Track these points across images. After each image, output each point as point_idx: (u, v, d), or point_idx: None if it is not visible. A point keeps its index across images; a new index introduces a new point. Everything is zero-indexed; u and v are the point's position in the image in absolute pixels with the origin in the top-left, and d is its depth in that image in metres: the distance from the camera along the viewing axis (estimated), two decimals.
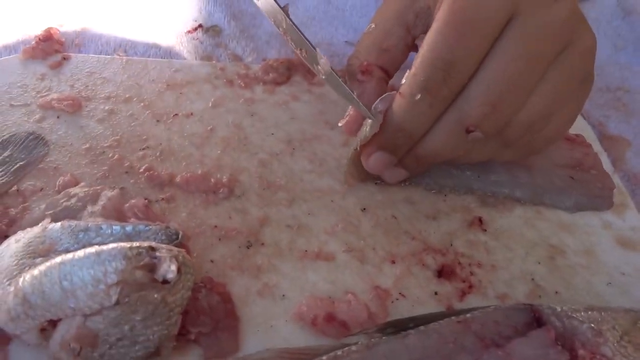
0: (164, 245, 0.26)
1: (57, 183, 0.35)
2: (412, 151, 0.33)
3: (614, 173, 0.42)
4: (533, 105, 0.31)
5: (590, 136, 0.44)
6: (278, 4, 0.33)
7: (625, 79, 0.54)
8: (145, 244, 0.25)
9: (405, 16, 0.35)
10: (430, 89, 0.30)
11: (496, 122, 0.31)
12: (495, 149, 0.34)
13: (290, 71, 0.47)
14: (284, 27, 0.34)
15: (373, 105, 0.33)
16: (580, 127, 0.45)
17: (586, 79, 0.34)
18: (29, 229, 0.30)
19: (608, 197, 0.39)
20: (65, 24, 0.49)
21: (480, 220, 0.37)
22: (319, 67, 0.33)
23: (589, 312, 0.26)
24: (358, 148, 0.35)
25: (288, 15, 0.33)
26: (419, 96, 0.31)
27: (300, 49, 0.34)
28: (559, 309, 0.27)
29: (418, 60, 0.31)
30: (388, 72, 0.36)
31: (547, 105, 0.31)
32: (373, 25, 0.37)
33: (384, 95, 0.33)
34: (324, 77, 0.33)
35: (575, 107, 0.34)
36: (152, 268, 0.25)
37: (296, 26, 0.33)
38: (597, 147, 0.44)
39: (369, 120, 0.33)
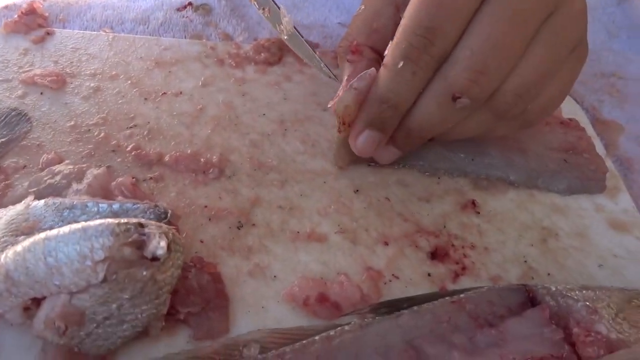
0: (153, 222, 0.25)
1: (41, 160, 0.34)
2: (402, 125, 0.33)
3: (607, 157, 0.42)
4: (521, 71, 0.30)
5: (583, 120, 0.44)
6: None
7: (619, 65, 0.54)
8: (134, 220, 0.24)
9: None
10: (412, 57, 0.30)
11: (484, 89, 0.30)
12: (487, 121, 0.33)
13: (282, 51, 0.46)
14: None
15: (350, 83, 0.32)
16: (573, 111, 0.45)
17: (578, 47, 0.33)
18: (11, 207, 0.29)
19: (601, 181, 0.39)
20: None
21: (473, 202, 0.37)
22: (282, 26, 0.32)
23: (584, 291, 0.26)
24: (339, 127, 0.34)
25: None
26: (401, 64, 0.30)
27: (264, 9, 0.33)
28: (553, 289, 0.27)
29: (400, 29, 0.30)
30: (380, 53, 0.35)
31: (537, 71, 0.30)
32: (363, 7, 0.36)
33: (361, 73, 0.32)
34: (286, 37, 0.32)
35: (568, 76, 0.33)
36: (140, 245, 0.24)
37: None
38: (590, 131, 0.43)
39: (343, 96, 0.32)
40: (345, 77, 0.34)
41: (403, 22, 0.30)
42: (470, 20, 0.29)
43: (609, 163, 0.41)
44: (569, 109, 0.45)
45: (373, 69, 0.32)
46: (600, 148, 0.42)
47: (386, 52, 0.31)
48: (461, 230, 0.35)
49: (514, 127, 0.35)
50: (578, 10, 0.31)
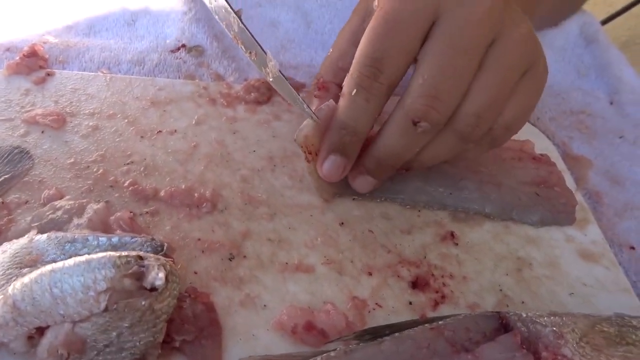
0: (151, 254, 0.27)
1: (43, 196, 0.36)
2: (371, 154, 0.36)
3: (577, 190, 0.45)
4: (475, 94, 0.33)
5: (554, 155, 0.47)
6: (231, 7, 0.35)
7: (587, 103, 0.57)
8: (134, 253, 0.26)
9: (357, 35, 0.37)
10: (364, 85, 0.33)
11: (440, 112, 0.33)
12: (454, 144, 0.35)
13: (271, 91, 0.48)
14: (235, 30, 0.35)
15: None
16: (545, 146, 0.48)
17: (532, 69, 0.35)
18: (14, 241, 0.31)
19: (571, 213, 0.41)
20: (49, 40, 0.50)
21: (452, 234, 0.39)
22: (268, 69, 0.35)
23: (552, 317, 0.28)
24: (306, 157, 0.36)
25: (241, 19, 0.35)
26: (354, 92, 0.34)
27: (250, 52, 0.35)
28: (524, 315, 0.29)
29: (354, 62, 0.34)
30: None
31: (490, 93, 0.33)
32: (331, 50, 0.40)
33: (322, 105, 0.35)
34: (271, 79, 0.35)
35: (525, 97, 0.36)
36: (139, 276, 0.26)
37: (247, 29, 0.35)
38: (561, 165, 0.46)
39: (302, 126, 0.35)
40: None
41: (356, 55, 0.34)
42: (417, 51, 0.33)
43: (578, 196, 0.44)
44: (540, 144, 0.48)
45: (332, 100, 0.36)
46: (570, 182, 0.45)
47: (344, 84, 0.35)
48: (441, 261, 0.37)
49: (484, 148, 0.37)
50: (521, 35, 0.34)
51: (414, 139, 0.34)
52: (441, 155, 0.36)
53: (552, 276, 0.37)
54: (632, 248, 0.42)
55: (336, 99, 0.36)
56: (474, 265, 0.37)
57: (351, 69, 0.34)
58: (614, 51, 0.64)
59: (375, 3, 0.36)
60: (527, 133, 0.49)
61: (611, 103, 0.57)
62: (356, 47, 0.37)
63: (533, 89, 0.36)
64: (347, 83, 0.34)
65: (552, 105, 0.56)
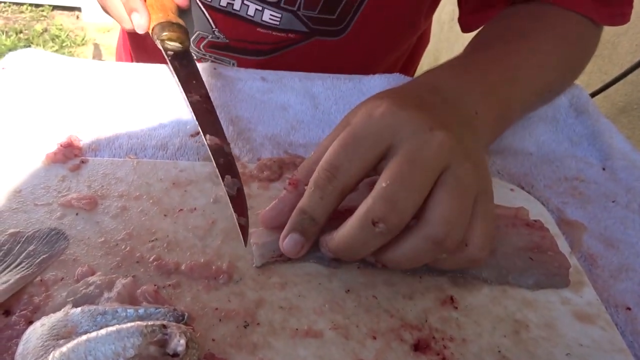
0: (173, 324, 0.30)
1: (76, 273, 0.40)
2: (333, 234, 0.40)
3: (571, 254, 0.47)
4: (436, 203, 0.37)
5: (549, 221, 0.50)
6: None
7: (580, 169, 0.60)
8: (158, 322, 0.30)
9: None
10: (320, 185, 0.39)
11: (397, 218, 0.37)
12: (426, 249, 0.38)
13: (282, 169, 0.53)
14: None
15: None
16: (540, 212, 0.51)
17: (481, 194, 0.40)
18: (52, 314, 0.35)
19: (565, 276, 0.44)
20: (83, 131, 0.56)
21: (452, 298, 0.41)
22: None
23: None
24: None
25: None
26: (312, 189, 0.40)
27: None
28: None
29: (320, 162, 0.40)
30: None
31: (443, 216, 0.37)
32: (312, 154, 0.45)
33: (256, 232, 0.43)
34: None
35: (485, 219, 0.39)
36: (163, 343, 0.29)
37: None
38: (555, 230, 0.49)
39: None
40: (278, 198, 0.44)
41: (322, 158, 0.40)
42: (373, 166, 0.39)
43: (573, 260, 0.46)
44: (536, 210, 0.51)
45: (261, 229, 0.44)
46: (564, 246, 0.48)
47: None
48: (441, 324, 0.39)
49: (460, 261, 0.40)
50: (473, 164, 0.40)
51: (371, 237, 0.38)
52: (412, 257, 0.39)
53: (549, 337, 0.39)
54: (629, 309, 0.44)
55: (299, 197, 0.42)
56: (473, 328, 0.39)
57: (317, 168, 0.40)
58: (603, 120, 0.68)
59: (353, 119, 0.42)
60: (521, 200, 0.52)
61: (604, 169, 0.61)
62: None
63: (489, 212, 0.40)
64: (311, 178, 0.40)
65: (547, 172, 0.59)
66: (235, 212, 0.42)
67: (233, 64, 0.82)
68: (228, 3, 0.74)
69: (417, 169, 0.38)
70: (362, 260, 0.43)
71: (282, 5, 0.73)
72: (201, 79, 0.60)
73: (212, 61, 0.83)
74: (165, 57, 0.61)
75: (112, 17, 0.68)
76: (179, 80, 0.56)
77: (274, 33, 0.77)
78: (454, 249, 0.39)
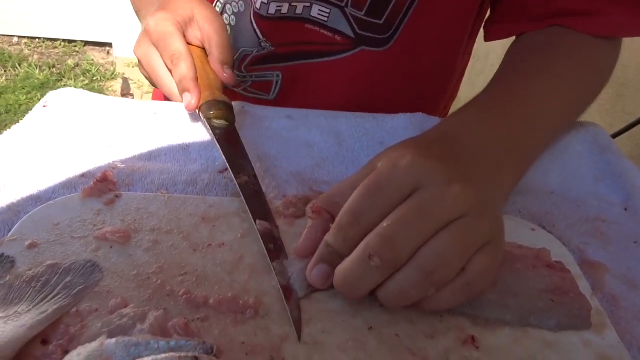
0: (205, 356, 0.31)
1: (110, 304, 0.41)
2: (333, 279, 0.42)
3: (593, 296, 0.47)
4: (435, 242, 0.39)
5: (570, 262, 0.50)
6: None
7: (602, 210, 0.61)
8: (191, 354, 0.31)
9: (358, 185, 0.44)
10: (342, 228, 0.42)
11: (393, 254, 0.39)
12: (422, 284, 0.40)
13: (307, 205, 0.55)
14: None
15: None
16: (561, 253, 0.52)
17: (490, 243, 0.41)
18: (87, 345, 0.36)
19: (586, 318, 0.44)
20: (118, 166, 0.58)
21: (473, 338, 0.42)
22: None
23: None
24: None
25: None
26: (336, 230, 0.42)
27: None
28: None
29: (344, 205, 0.43)
30: (334, 217, 0.45)
31: (437, 251, 0.39)
32: (333, 187, 0.48)
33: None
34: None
35: (485, 259, 0.41)
36: None
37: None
38: (577, 271, 0.49)
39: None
40: (307, 228, 0.47)
41: (347, 202, 0.42)
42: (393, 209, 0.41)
43: (595, 301, 0.46)
44: (557, 251, 0.51)
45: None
46: (586, 287, 0.48)
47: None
48: None
49: (458, 294, 0.41)
50: (487, 215, 0.42)
51: (367, 272, 0.40)
52: (406, 291, 0.40)
53: None
54: None
55: (325, 223, 0.45)
56: None
57: (341, 208, 0.43)
58: (626, 160, 0.69)
59: (379, 165, 0.44)
60: (543, 240, 0.53)
61: (626, 209, 0.61)
62: (352, 192, 0.44)
63: (492, 256, 0.42)
64: (336, 220, 0.43)
65: (569, 212, 0.60)
66: (287, 303, 0.43)
67: (277, 76, 0.84)
68: (276, 9, 0.77)
69: (423, 214, 0.40)
70: None
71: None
72: (247, 157, 0.60)
73: (253, 82, 0.86)
74: (212, 135, 0.63)
75: (160, 89, 0.71)
76: (227, 161, 0.58)
77: (321, 31, 0.79)
78: (442, 285, 0.40)
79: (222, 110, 0.65)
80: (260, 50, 0.82)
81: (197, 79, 0.66)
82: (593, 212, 0.60)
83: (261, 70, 0.84)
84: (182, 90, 0.65)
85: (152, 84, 0.74)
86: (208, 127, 0.63)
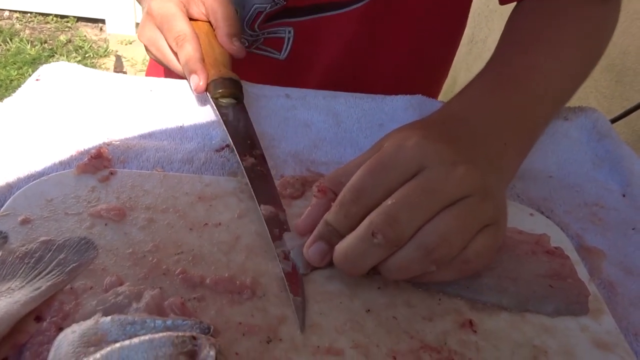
0: (203, 335, 0.31)
1: (105, 282, 0.41)
2: (333, 255, 0.42)
3: (590, 281, 0.47)
4: (437, 222, 0.39)
5: (569, 248, 0.50)
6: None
7: (600, 196, 0.61)
8: (188, 333, 0.30)
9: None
10: (344, 205, 0.41)
11: (396, 233, 0.39)
12: (420, 260, 0.40)
13: (305, 187, 0.54)
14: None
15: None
16: (560, 239, 0.51)
17: (491, 225, 0.41)
18: (82, 322, 0.36)
19: (584, 304, 0.44)
20: (113, 142, 0.57)
21: (470, 322, 0.42)
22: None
23: None
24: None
25: None
26: (337, 207, 0.42)
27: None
28: None
29: (347, 182, 0.42)
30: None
31: (439, 230, 0.39)
32: (341, 168, 0.47)
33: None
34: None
35: (485, 238, 0.41)
36: (193, 354, 0.30)
37: None
38: (575, 257, 0.49)
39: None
40: (310, 206, 0.46)
41: (350, 179, 0.42)
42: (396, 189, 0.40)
43: (592, 287, 0.46)
44: (555, 237, 0.51)
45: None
46: (584, 273, 0.48)
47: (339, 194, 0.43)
48: (460, 347, 0.40)
49: (455, 271, 0.41)
50: (492, 197, 0.42)
51: (370, 248, 0.39)
52: (407, 267, 0.40)
53: None
54: None
55: (328, 202, 0.44)
56: (492, 352, 0.40)
57: (344, 187, 0.42)
58: (624, 146, 0.68)
59: (385, 145, 0.44)
60: (541, 225, 0.53)
61: (624, 195, 0.61)
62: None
63: (495, 235, 0.42)
64: (338, 197, 0.42)
65: (567, 197, 0.59)
66: (290, 291, 0.42)
67: (289, 32, 0.82)
68: None
69: (427, 194, 0.39)
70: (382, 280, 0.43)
71: None
72: (255, 136, 0.59)
73: (265, 38, 0.83)
74: (219, 115, 0.61)
75: (174, 71, 0.69)
76: (233, 143, 0.56)
77: None
78: (443, 263, 0.40)
79: (230, 88, 0.63)
80: (273, 6, 0.79)
81: (203, 59, 0.65)
82: (591, 198, 0.60)
83: (273, 27, 0.81)
84: (189, 73, 0.64)
85: (165, 67, 0.72)
86: (214, 107, 0.62)
